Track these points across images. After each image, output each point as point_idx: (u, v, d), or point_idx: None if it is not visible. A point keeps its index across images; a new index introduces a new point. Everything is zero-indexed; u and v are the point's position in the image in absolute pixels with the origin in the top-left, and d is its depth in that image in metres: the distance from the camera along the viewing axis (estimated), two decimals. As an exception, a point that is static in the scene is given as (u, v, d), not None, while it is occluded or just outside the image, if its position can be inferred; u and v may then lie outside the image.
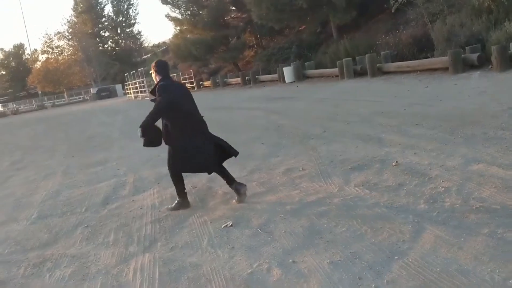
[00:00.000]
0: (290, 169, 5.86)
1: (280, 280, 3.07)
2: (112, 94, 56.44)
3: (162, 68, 4.87)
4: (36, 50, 67.57)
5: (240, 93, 23.13)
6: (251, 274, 3.23)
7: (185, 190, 5.08)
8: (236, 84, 28.68)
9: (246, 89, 24.91)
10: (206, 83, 33.71)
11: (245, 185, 4.89)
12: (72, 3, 74.16)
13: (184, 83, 35.88)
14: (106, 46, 77.57)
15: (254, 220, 4.27)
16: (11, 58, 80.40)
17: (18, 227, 5.54)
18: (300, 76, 21.31)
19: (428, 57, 14.66)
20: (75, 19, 70.87)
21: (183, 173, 5.11)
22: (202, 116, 4.98)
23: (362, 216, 3.87)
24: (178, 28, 34.74)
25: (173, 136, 4.78)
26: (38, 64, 65.06)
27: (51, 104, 58.91)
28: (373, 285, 2.78)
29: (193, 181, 6.14)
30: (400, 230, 3.46)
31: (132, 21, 78.90)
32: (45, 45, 66.40)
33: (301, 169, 5.77)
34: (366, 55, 16.33)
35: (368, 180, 4.81)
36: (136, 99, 36.75)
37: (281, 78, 22.56)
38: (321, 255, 3.30)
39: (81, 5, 72.53)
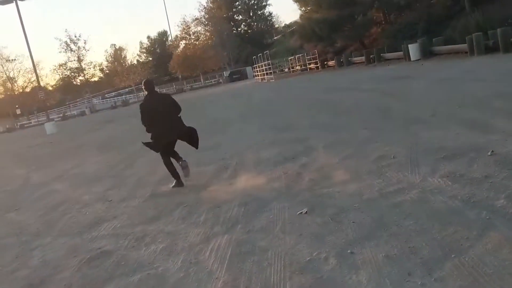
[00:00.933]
0: (382, 157, 5.77)
1: (333, 270, 3.18)
2: (243, 76, 58.66)
3: (146, 86, 6.52)
4: (177, 36, 72.70)
5: (362, 72, 22.58)
6: (308, 262, 3.38)
7: (177, 172, 6.68)
8: (360, 63, 28.00)
9: (369, 68, 24.21)
10: (331, 62, 33.35)
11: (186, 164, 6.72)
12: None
13: (309, 63, 36.13)
14: (239, 29, 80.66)
15: (329, 208, 4.37)
16: (156, 45, 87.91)
17: (134, 203, 6.34)
18: (427, 53, 20.07)
19: None
20: (211, 5, 74.60)
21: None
22: (179, 116, 6.66)
23: (435, 210, 3.75)
24: (303, 8, 34.82)
25: (151, 132, 6.59)
26: (178, 50, 70.02)
27: (189, 87, 63.34)
28: (419, 282, 2.76)
29: (286, 167, 6.38)
30: (468, 227, 3.31)
31: (264, 3, 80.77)
32: (183, 32, 71.07)
33: (392, 157, 5.64)
34: (498, 29, 14.78)
35: (455, 171, 4.57)
36: (262, 81, 37.90)
37: (406, 56, 21.49)
38: (380, 248, 3.31)
39: (217, -9, 76.13)
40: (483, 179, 4.18)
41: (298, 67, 39.58)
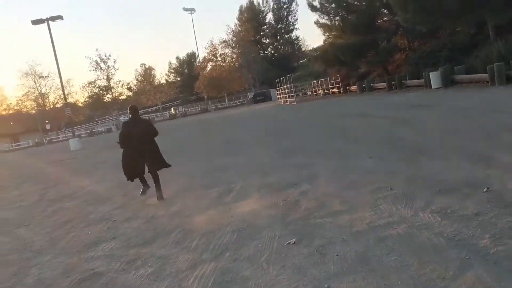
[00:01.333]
0: (380, 188, 5.73)
1: (306, 304, 3.17)
2: (266, 98, 58.93)
3: (131, 111, 7.79)
4: (205, 57, 73.95)
5: (382, 99, 22.49)
6: (285, 294, 3.38)
7: (144, 180, 7.90)
8: (382, 88, 27.88)
9: (390, 95, 24.08)
10: (353, 87, 33.29)
11: (148, 189, 7.95)
12: (237, 13, 79.36)
13: (332, 87, 36.16)
14: (266, 52, 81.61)
15: (317, 239, 4.36)
16: (185, 66, 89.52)
17: (135, 224, 6.43)
18: (448, 82, 19.85)
19: None
20: (239, 28, 75.79)
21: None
22: (151, 141, 7.73)
23: (418, 246, 3.71)
24: (327, 34, 35.10)
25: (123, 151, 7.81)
26: (206, 71, 71.04)
27: (213, 107, 64.12)
28: (386, 322, 2.73)
29: (287, 193, 6.39)
30: (445, 266, 3.26)
31: (291, 27, 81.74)
32: (210, 54, 72.22)
33: (390, 188, 5.60)
34: (520, 59, 14.57)
35: (448, 206, 4.51)
36: (284, 103, 38.07)
37: (427, 84, 21.30)
38: (356, 284, 3.30)
39: (245, 15, 77.47)
40: (472, 216, 4.12)
41: (320, 91, 39.67)
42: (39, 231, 7.16)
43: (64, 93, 35.90)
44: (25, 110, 71.98)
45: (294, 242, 4.40)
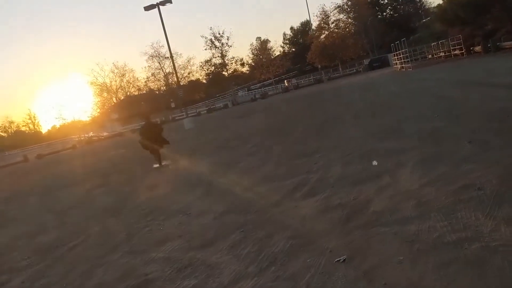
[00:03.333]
0: (467, 186, 4.80)
1: None
2: (383, 64, 55.62)
3: (144, 116, 13.80)
4: (319, 25, 72.12)
5: (508, 61, 19.72)
6: (309, 334, 2.90)
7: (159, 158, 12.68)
8: (510, 48, 24.50)
9: (519, 55, 21.07)
10: (477, 48, 29.71)
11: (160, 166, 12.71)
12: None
13: (453, 49, 32.90)
14: (384, 14, 77.23)
15: (370, 257, 3.75)
16: (299, 36, 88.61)
17: (204, 221, 6.28)
18: None
19: None
20: (355, -10, 72.33)
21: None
22: (158, 134, 12.86)
23: (487, 279, 2.93)
24: (446, -11, 31.71)
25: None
26: (320, 39, 69.33)
27: (327, 77, 62.49)
28: None
29: (362, 189, 5.74)
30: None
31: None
32: (322, 22, 70.19)
33: (477, 188, 4.66)
34: None
35: (542, 220, 3.56)
36: (401, 69, 35.58)
37: None
38: (394, 330, 2.69)
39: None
40: None
41: (442, 54, 36.24)
42: (124, 222, 7.39)
43: (176, 75, 37.91)
44: (156, 89, 77.02)
45: (344, 259, 3.82)
